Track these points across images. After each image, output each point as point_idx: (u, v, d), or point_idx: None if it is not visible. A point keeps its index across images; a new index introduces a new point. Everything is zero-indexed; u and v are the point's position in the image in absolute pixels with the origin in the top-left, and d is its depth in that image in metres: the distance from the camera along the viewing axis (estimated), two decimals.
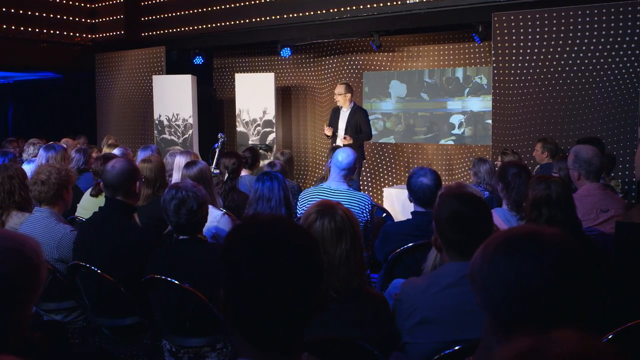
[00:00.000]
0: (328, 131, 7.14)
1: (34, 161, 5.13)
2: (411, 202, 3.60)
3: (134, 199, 3.20)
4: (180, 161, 5.00)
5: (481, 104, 8.29)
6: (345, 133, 7.06)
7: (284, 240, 1.16)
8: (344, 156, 4.34)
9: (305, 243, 1.18)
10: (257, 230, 1.17)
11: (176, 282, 2.64)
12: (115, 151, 5.63)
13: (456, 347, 2.00)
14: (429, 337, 1.98)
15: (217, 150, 8.02)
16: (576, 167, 3.73)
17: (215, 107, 10.92)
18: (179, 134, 9.49)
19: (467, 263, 2.02)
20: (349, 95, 7.16)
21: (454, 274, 2.01)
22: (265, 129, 9.32)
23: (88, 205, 4.42)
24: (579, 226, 2.98)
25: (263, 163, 7.36)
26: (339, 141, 7.01)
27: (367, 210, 4.27)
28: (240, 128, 9.51)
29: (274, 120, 9.30)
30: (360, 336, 1.98)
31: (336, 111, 7.34)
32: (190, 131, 9.43)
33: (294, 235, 1.17)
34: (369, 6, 8.01)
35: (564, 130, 6.55)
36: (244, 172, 5.60)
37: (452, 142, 8.43)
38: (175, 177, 4.93)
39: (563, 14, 6.42)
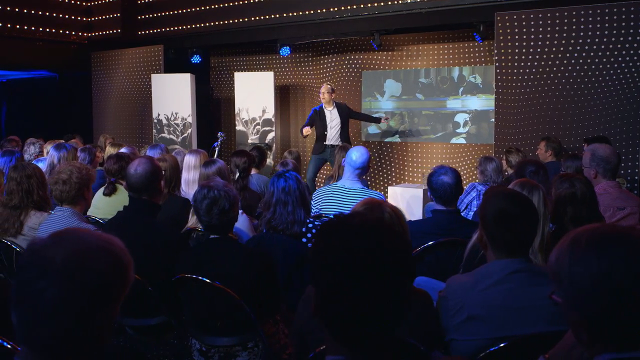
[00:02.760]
0: (307, 132, 7.89)
1: (43, 160, 5.08)
2: (431, 200, 3.62)
3: (159, 197, 3.19)
4: (190, 160, 4.97)
5: (477, 102, 8.35)
6: (342, 127, 7.88)
7: (380, 244, 1.16)
8: (358, 155, 4.36)
9: (400, 245, 1.19)
10: (352, 234, 1.17)
11: (208, 280, 2.64)
12: (123, 150, 5.58)
13: (501, 345, 2.02)
14: (477, 334, 1.99)
15: (217, 149, 8.01)
16: (593, 165, 3.77)
17: (212, 106, 10.89)
18: (177, 132, 9.45)
19: (513, 260, 2.05)
20: (333, 94, 8.04)
21: (500, 272, 2.02)
22: (264, 128, 9.31)
23: (101, 205, 4.39)
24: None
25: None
26: (330, 141, 7.85)
27: None
28: (239, 127, 9.49)
29: (273, 119, 9.30)
30: (408, 333, 1.98)
31: (318, 112, 7.92)
32: (189, 130, 9.39)
33: (389, 238, 1.18)
34: (369, 5, 8.02)
35: (566, 129, 6.61)
36: (252, 171, 5.59)
37: (463, 141, 8.47)
38: (185, 177, 4.91)
39: (566, 13, 6.48)
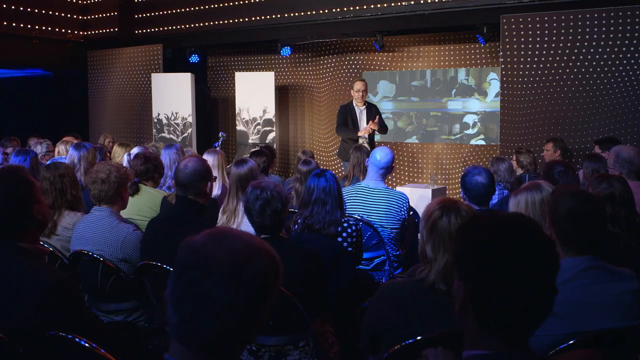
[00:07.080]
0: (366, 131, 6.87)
1: (62, 160, 5.02)
2: (464, 200, 3.66)
3: (205, 199, 3.19)
4: (208, 160, 4.96)
5: (476, 104, 8.46)
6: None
7: (536, 238, 1.21)
8: (382, 155, 4.39)
9: (548, 238, 1.23)
10: (512, 226, 1.21)
11: None
12: (135, 150, 5.55)
13: (570, 342, 2.06)
14: (551, 330, 2.03)
15: (217, 149, 7.99)
16: (617, 166, 3.85)
17: (209, 106, 10.85)
18: (177, 132, 9.40)
19: (584, 258, 2.10)
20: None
21: (572, 269, 2.07)
22: (265, 128, 9.31)
23: None
24: None
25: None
26: (363, 132, 6.87)
27: (405, 208, 4.33)
28: (240, 127, 9.48)
29: (274, 119, 9.31)
30: None
31: (348, 110, 7.05)
32: (190, 130, 9.35)
33: (540, 233, 1.22)
34: (372, 6, 8.05)
35: (572, 130, 6.71)
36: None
37: (482, 142, 8.56)
38: None
39: (572, 16, 6.58)
